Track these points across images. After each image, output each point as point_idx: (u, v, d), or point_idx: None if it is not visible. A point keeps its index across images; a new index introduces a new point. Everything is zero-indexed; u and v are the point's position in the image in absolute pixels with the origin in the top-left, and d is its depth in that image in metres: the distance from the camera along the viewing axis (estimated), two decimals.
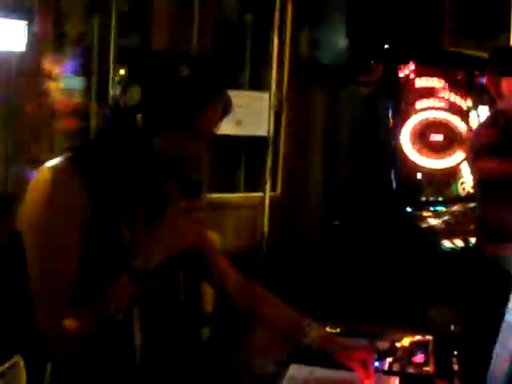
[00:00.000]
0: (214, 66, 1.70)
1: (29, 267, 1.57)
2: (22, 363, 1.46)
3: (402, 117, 3.90)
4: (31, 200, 1.58)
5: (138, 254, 1.60)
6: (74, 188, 1.57)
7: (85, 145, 1.78)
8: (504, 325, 1.54)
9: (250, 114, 4.12)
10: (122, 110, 1.63)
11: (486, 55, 3.28)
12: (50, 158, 1.61)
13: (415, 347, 1.97)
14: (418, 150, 3.89)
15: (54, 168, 1.59)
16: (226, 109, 1.68)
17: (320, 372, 1.81)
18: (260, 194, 4.23)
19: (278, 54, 4.27)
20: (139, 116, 1.60)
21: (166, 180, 1.71)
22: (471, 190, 3.66)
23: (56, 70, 3.38)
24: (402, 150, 3.85)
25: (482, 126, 3.32)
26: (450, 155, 3.98)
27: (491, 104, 3.18)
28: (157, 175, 1.69)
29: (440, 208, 3.89)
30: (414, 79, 3.98)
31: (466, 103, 4.13)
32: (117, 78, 3.47)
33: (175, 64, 1.63)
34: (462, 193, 3.98)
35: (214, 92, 1.65)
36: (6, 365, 1.47)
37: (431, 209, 3.86)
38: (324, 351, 1.82)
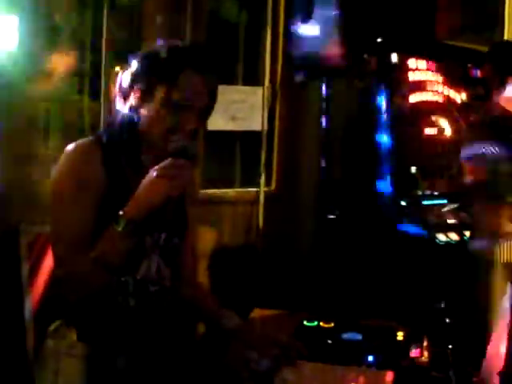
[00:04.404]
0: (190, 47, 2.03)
1: (50, 220, 1.87)
2: None
3: (396, 110, 3.89)
4: (58, 167, 1.88)
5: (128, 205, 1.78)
6: (94, 160, 1.86)
7: (106, 129, 2.04)
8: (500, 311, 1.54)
9: (244, 109, 4.12)
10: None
11: (481, 48, 3.28)
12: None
13: (410, 341, 1.97)
14: (412, 144, 3.89)
15: (80, 144, 1.91)
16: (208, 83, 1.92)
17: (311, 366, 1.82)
18: (255, 189, 4.23)
19: (272, 48, 4.26)
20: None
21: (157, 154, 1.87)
22: (466, 184, 3.66)
23: (48, 65, 3.36)
24: (397, 143, 3.85)
25: (476, 120, 3.31)
26: (443, 149, 3.98)
27: (486, 98, 3.17)
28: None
29: (434, 202, 3.89)
30: (407, 72, 3.97)
31: (460, 96, 4.13)
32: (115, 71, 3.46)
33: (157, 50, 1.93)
34: (457, 187, 3.98)
35: (184, 65, 1.87)
36: (57, 322, 1.78)
37: (426, 203, 3.86)
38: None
